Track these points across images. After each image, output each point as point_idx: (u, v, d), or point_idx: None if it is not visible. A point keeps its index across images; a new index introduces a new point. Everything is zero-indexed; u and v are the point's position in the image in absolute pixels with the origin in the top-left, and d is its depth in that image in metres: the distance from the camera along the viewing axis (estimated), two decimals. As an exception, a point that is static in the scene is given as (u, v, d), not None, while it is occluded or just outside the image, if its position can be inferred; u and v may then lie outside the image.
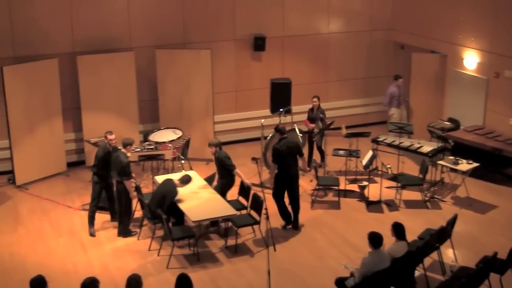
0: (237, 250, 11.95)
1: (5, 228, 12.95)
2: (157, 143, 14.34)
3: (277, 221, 12.91)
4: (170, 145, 14.30)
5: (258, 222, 12.15)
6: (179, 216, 12.01)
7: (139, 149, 14.11)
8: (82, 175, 15.38)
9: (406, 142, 14.98)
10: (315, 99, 15.27)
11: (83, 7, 15.33)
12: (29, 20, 14.91)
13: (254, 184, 14.09)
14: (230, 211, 11.78)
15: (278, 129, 12.73)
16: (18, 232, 12.80)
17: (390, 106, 16.97)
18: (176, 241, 11.64)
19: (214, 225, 12.64)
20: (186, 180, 12.11)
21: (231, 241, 12.17)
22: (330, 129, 15.19)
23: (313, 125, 15.19)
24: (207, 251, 11.98)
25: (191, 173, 13.40)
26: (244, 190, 12.69)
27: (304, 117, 17.40)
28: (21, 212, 13.64)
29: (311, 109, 15.37)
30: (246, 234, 12.49)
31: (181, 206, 11.84)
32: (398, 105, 16.94)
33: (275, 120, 15.59)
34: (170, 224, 11.94)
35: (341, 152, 14.98)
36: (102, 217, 13.25)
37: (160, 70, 15.97)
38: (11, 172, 14.87)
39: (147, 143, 14.43)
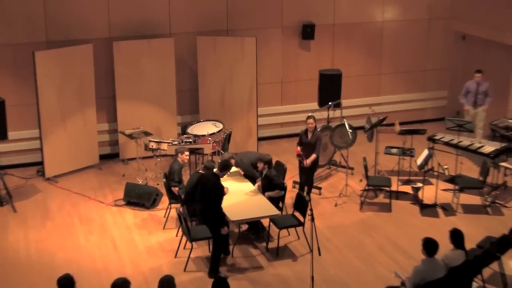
0: (278, 254, 11.88)
1: (33, 223, 13.03)
2: (196, 136, 14.32)
3: (322, 222, 12.87)
4: (209, 138, 14.28)
5: (302, 224, 12.05)
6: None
7: (176, 142, 14.12)
8: (116, 168, 15.46)
9: (465, 141, 14.73)
10: (311, 120, 13.40)
11: (120, -11, 15.48)
12: (62, 2, 14.98)
13: (297, 183, 14.09)
14: (272, 211, 11.69)
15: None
16: (47, 228, 12.88)
17: (466, 101, 16.51)
18: (195, 242, 11.55)
19: (256, 233, 12.46)
20: (224, 166, 11.53)
21: (272, 244, 12.10)
22: (382, 125, 15.03)
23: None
24: (247, 254, 11.93)
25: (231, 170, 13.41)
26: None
27: (354, 111, 17.37)
28: (50, 206, 13.73)
29: (305, 132, 13.60)
30: (288, 236, 12.41)
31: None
32: (472, 104, 16.23)
33: (324, 115, 15.48)
34: (193, 223, 11.94)
35: (394, 150, 14.80)
36: (135, 214, 13.34)
37: (201, 58, 15.94)
38: (40, 163, 14.97)
39: (185, 136, 14.42)
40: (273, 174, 12.48)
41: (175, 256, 11.79)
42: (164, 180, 12.90)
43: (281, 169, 13.21)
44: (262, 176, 12.60)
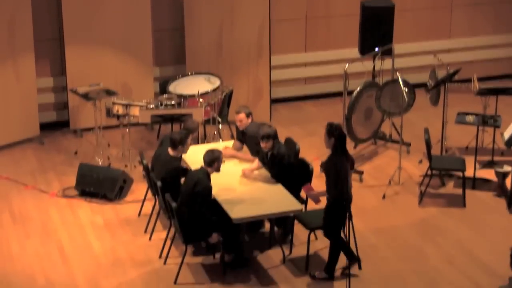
0: (308, 267, 11.77)
1: None
2: (181, 96, 14.43)
3: (365, 221, 12.90)
4: (201, 100, 14.35)
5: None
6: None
7: (153, 106, 14.19)
8: (64, 143, 15.59)
9: None
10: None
11: None
12: None
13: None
14: (293, 205, 11.70)
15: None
16: (-36, 229, 13.04)
17: None
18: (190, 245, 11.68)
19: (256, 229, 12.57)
20: (211, 159, 11.63)
21: (297, 251, 12.08)
22: (453, 81, 15.10)
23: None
24: (259, 268, 11.91)
25: (231, 145, 13.49)
26: None
27: (412, 61, 17.54)
28: (-32, 198, 13.91)
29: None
30: (315, 241, 12.28)
31: (219, 196, 11.81)
32: None
33: (367, 66, 15.48)
34: None
35: (470, 118, 14.76)
36: (92, 208, 13.45)
37: (188, -18, 16.06)
38: (-46, 136, 15.20)
39: (166, 96, 14.52)
40: (282, 152, 12.29)
41: (164, 263, 11.85)
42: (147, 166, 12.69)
43: (291, 148, 12.94)
44: (268, 156, 12.36)
